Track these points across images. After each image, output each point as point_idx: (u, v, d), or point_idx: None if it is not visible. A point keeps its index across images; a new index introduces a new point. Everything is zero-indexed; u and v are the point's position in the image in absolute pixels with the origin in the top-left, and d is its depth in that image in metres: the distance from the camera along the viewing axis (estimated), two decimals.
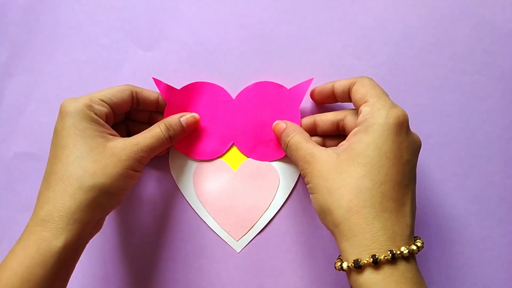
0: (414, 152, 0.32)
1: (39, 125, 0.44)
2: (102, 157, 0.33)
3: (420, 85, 0.42)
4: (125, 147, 0.34)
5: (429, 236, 0.41)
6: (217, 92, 0.41)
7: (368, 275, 0.28)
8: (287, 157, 0.39)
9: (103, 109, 0.35)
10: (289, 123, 0.38)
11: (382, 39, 0.42)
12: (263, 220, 0.41)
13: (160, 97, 0.40)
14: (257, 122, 0.41)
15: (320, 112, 0.40)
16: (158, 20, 0.43)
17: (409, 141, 0.31)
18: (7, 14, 0.44)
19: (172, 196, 0.42)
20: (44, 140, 0.43)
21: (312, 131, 0.40)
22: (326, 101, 0.41)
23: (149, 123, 0.41)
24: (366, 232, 0.29)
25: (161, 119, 0.40)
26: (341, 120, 0.38)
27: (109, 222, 0.42)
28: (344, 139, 0.34)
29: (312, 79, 0.40)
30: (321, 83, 0.39)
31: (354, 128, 0.33)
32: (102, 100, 0.35)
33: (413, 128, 0.33)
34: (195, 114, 0.40)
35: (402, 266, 0.28)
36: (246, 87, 0.41)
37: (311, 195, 0.33)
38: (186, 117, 0.39)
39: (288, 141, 0.36)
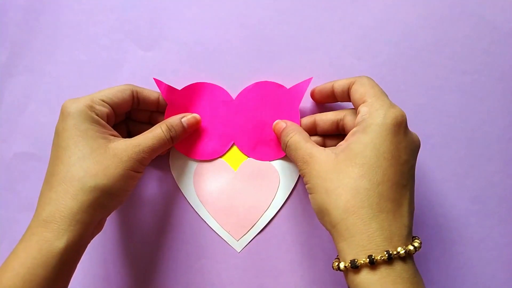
0: (412, 152, 0.32)
1: (39, 125, 0.44)
2: (103, 158, 0.33)
3: (420, 85, 0.42)
4: (126, 148, 0.34)
5: (429, 236, 0.41)
6: (217, 92, 0.41)
7: (365, 275, 0.28)
8: (288, 157, 0.39)
9: (104, 109, 0.35)
10: (289, 122, 0.38)
11: (382, 39, 0.42)
12: (263, 220, 0.41)
13: (160, 97, 0.40)
14: (258, 122, 0.41)
15: (320, 112, 0.40)
16: (158, 20, 0.43)
17: (407, 141, 0.31)
18: (7, 14, 0.44)
19: (172, 196, 0.42)
20: (44, 140, 0.43)
21: (312, 130, 0.40)
22: (326, 100, 0.41)
23: (150, 123, 0.41)
24: (363, 233, 0.29)
25: (161, 119, 0.40)
26: (341, 119, 0.38)
27: (110, 222, 0.42)
28: (344, 139, 0.34)
29: (311, 78, 0.40)
30: (321, 83, 0.39)
31: (353, 128, 0.33)
32: (103, 101, 0.35)
33: (413, 128, 0.33)
34: (196, 115, 0.40)
35: (399, 266, 0.28)
36: (246, 87, 0.41)
37: (309, 195, 0.33)
38: (187, 117, 0.39)
39: (287, 141, 0.36)
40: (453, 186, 0.41)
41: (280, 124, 0.39)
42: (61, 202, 0.31)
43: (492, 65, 0.42)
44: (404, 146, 0.31)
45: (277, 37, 0.42)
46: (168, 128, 0.37)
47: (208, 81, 0.42)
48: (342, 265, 0.30)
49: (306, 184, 0.33)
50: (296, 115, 0.40)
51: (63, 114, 0.33)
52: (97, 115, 0.34)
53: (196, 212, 0.42)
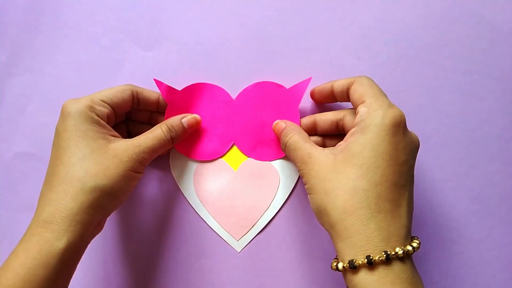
0: (411, 153, 0.32)
1: (39, 125, 0.44)
2: (104, 159, 0.33)
3: (420, 85, 0.42)
4: (126, 149, 0.34)
5: (429, 236, 0.41)
6: (217, 93, 0.42)
7: (363, 276, 0.29)
8: (288, 157, 0.39)
9: (104, 110, 0.35)
10: (289, 122, 0.38)
11: (382, 39, 0.42)
12: (263, 220, 0.42)
13: (160, 97, 0.40)
14: (257, 122, 0.41)
15: (320, 112, 0.40)
16: (158, 20, 0.43)
17: (406, 141, 0.31)
18: (8, 14, 0.44)
19: (172, 196, 0.42)
20: (45, 140, 0.43)
21: (312, 130, 0.40)
22: (326, 100, 0.41)
23: (150, 123, 0.41)
24: (361, 233, 0.29)
25: (161, 119, 0.40)
26: (340, 119, 0.38)
27: (110, 222, 0.42)
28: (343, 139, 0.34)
29: (311, 78, 0.40)
30: (321, 83, 0.39)
31: (352, 128, 0.33)
32: (103, 101, 0.35)
33: (412, 128, 0.33)
34: (196, 115, 0.40)
35: (397, 266, 0.28)
36: (246, 87, 0.41)
37: (308, 195, 0.33)
38: (187, 118, 0.39)
39: (287, 141, 0.36)
40: (453, 186, 0.41)
41: (280, 124, 0.39)
42: (61, 202, 0.31)
43: (492, 65, 0.42)
44: (403, 146, 0.31)
45: (277, 37, 0.43)
46: (169, 128, 0.37)
47: (208, 81, 0.42)
48: (340, 265, 0.30)
49: (305, 184, 0.33)
50: (296, 115, 0.40)
51: (64, 115, 0.34)
52: (97, 115, 0.34)
53: (196, 212, 0.42)
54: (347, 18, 0.42)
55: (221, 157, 0.42)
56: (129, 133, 0.41)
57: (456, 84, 0.42)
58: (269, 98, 0.41)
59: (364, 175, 0.30)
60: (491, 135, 0.41)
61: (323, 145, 0.40)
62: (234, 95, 0.42)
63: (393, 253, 0.28)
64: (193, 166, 0.42)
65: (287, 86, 0.41)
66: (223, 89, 0.42)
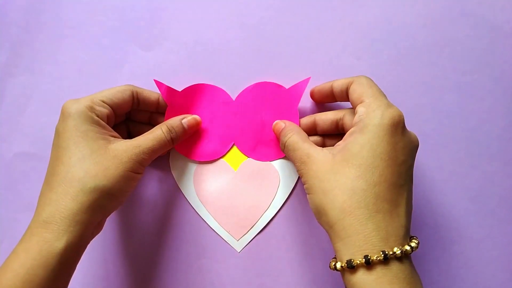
0: (410, 152, 0.32)
1: (39, 125, 0.44)
2: (103, 159, 0.33)
3: (420, 85, 0.42)
4: (126, 149, 0.34)
5: (429, 236, 0.41)
6: (217, 93, 0.42)
7: (361, 276, 0.29)
8: (287, 157, 0.39)
9: (104, 110, 0.35)
10: (288, 122, 0.38)
11: (382, 39, 0.42)
12: (263, 220, 0.42)
13: (160, 97, 0.40)
14: (257, 122, 0.41)
15: (320, 112, 0.40)
16: (158, 20, 0.43)
17: (405, 141, 0.31)
18: (8, 14, 0.44)
19: (172, 195, 0.42)
20: (45, 140, 0.43)
21: (312, 130, 0.40)
22: (325, 100, 0.41)
23: (150, 123, 0.41)
24: (359, 233, 0.29)
25: (161, 120, 0.40)
26: (340, 119, 0.38)
27: (110, 222, 0.42)
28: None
29: (309, 78, 0.40)
30: (321, 83, 0.39)
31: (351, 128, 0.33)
32: (103, 101, 0.35)
33: (412, 128, 0.33)
34: (197, 116, 0.40)
35: (395, 266, 0.28)
36: (246, 88, 0.41)
37: (307, 195, 0.33)
38: (187, 119, 0.39)
39: (286, 141, 0.36)
40: (453, 186, 0.41)
41: (280, 124, 0.39)
42: (61, 203, 0.31)
43: (492, 65, 0.42)
44: (402, 146, 0.31)
45: (277, 37, 0.43)
46: (169, 129, 0.37)
47: (207, 81, 0.42)
48: (338, 265, 0.30)
49: (304, 184, 0.33)
50: (295, 115, 0.40)
51: (64, 115, 0.34)
52: (97, 116, 0.34)
53: (196, 212, 0.42)
54: (347, 18, 0.42)
55: (221, 157, 0.42)
56: (129, 134, 0.41)
57: (456, 84, 0.42)
58: (268, 98, 0.41)
59: (362, 175, 0.30)
60: (491, 135, 0.41)
61: (323, 145, 0.40)
62: (234, 96, 0.42)
63: (391, 253, 0.28)
64: (193, 166, 0.42)
65: (288, 86, 0.41)
66: (223, 90, 0.42)
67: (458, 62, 0.42)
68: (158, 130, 0.36)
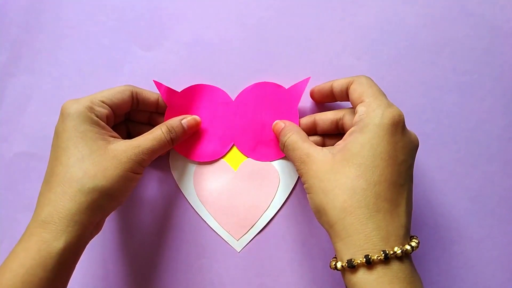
0: (410, 152, 0.32)
1: (39, 125, 0.44)
2: (103, 160, 0.33)
3: (420, 85, 0.42)
4: (126, 149, 0.34)
5: (429, 236, 0.41)
6: (217, 94, 0.42)
7: (362, 275, 0.29)
8: (287, 157, 0.39)
9: (104, 110, 0.35)
10: (288, 122, 0.38)
11: (382, 39, 0.42)
12: (263, 220, 0.42)
13: (160, 98, 0.40)
14: (257, 123, 0.41)
15: (320, 111, 0.40)
16: (158, 20, 0.43)
17: (405, 141, 0.31)
18: (8, 14, 0.44)
19: (172, 195, 0.42)
20: (45, 140, 0.43)
21: (312, 130, 0.40)
22: (325, 100, 0.41)
23: (149, 123, 0.41)
24: (360, 233, 0.29)
25: (161, 120, 0.40)
26: (340, 119, 0.38)
27: (110, 222, 0.42)
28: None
29: (309, 78, 0.40)
30: (321, 83, 0.39)
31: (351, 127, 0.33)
32: (103, 102, 0.35)
33: (412, 128, 0.33)
34: (196, 117, 0.40)
35: (395, 266, 0.28)
36: (246, 88, 0.41)
37: (307, 195, 0.33)
38: (187, 119, 0.39)
39: (285, 141, 0.36)
40: (453, 186, 0.41)
41: (279, 124, 0.39)
42: (59, 203, 0.31)
43: (492, 65, 0.42)
44: (402, 146, 0.31)
45: (277, 37, 0.43)
46: (169, 129, 0.37)
47: (207, 81, 0.42)
48: (339, 265, 0.30)
49: (304, 184, 0.33)
50: (295, 115, 0.40)
51: (63, 115, 0.34)
52: (97, 116, 0.34)
53: (196, 212, 0.42)
54: (347, 18, 0.42)
55: (221, 157, 0.42)
56: (128, 134, 0.41)
57: (456, 84, 0.42)
58: (268, 98, 0.41)
59: (362, 175, 0.30)
60: (491, 135, 0.41)
61: (323, 145, 0.40)
62: (233, 96, 0.42)
63: (391, 252, 0.28)
64: (193, 166, 0.42)
65: (288, 86, 0.41)
66: (223, 90, 0.42)
67: (458, 62, 0.42)
68: (158, 131, 0.36)
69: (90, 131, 0.33)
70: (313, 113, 0.41)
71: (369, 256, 0.28)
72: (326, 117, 0.39)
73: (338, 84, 0.37)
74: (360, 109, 0.33)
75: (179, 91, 0.40)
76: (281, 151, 0.38)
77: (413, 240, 0.30)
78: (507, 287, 0.41)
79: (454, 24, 0.42)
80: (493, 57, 0.42)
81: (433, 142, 0.42)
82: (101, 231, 0.36)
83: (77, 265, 0.33)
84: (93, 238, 0.35)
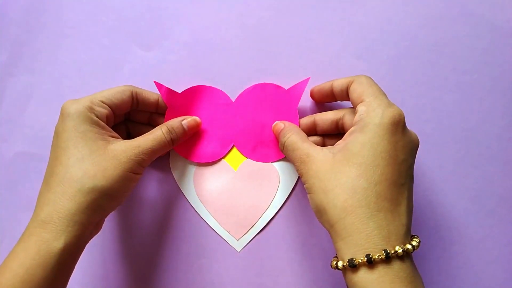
0: (410, 151, 0.32)
1: (39, 125, 0.44)
2: (102, 160, 0.33)
3: (420, 85, 0.42)
4: (126, 150, 0.34)
5: (429, 236, 0.41)
6: (217, 95, 0.42)
7: (363, 274, 0.29)
8: (286, 157, 0.39)
9: (104, 110, 0.35)
10: (287, 123, 0.38)
11: (382, 39, 0.42)
12: (263, 220, 0.42)
13: (160, 98, 0.40)
14: (257, 124, 0.41)
15: (320, 111, 0.40)
16: (158, 20, 0.43)
17: (405, 140, 0.31)
18: (8, 14, 0.44)
19: (172, 195, 0.42)
20: (45, 140, 0.43)
21: (312, 130, 0.40)
22: (325, 100, 0.41)
23: (149, 124, 0.41)
24: (361, 232, 0.29)
25: (161, 120, 0.40)
26: (340, 119, 0.38)
27: (110, 222, 0.42)
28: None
29: (309, 78, 0.40)
30: (321, 83, 0.39)
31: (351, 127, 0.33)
32: (103, 102, 0.35)
33: (412, 127, 0.33)
34: (196, 118, 0.40)
35: (396, 265, 0.28)
36: (246, 89, 0.41)
37: (308, 195, 0.33)
38: (187, 120, 0.39)
39: (285, 141, 0.36)
40: (453, 186, 0.41)
41: (279, 125, 0.39)
42: (59, 203, 0.31)
43: (492, 65, 0.42)
44: (402, 145, 0.31)
45: (277, 37, 0.43)
46: (169, 130, 0.37)
47: (207, 81, 0.42)
48: (340, 264, 0.30)
49: (304, 184, 0.33)
50: (295, 116, 0.40)
51: (63, 115, 0.34)
52: (97, 116, 0.34)
53: (196, 211, 0.42)
54: (347, 18, 0.42)
55: (221, 158, 0.42)
56: (128, 134, 0.41)
57: (456, 84, 0.42)
58: (268, 99, 0.41)
59: (363, 174, 0.30)
60: (491, 135, 0.41)
61: (323, 145, 0.40)
62: (233, 97, 0.42)
63: (392, 252, 0.28)
64: (194, 166, 0.42)
65: (288, 86, 0.41)
66: (223, 91, 0.42)
67: (458, 62, 0.42)
68: (158, 131, 0.36)
69: (90, 131, 0.33)
70: (313, 113, 0.41)
71: (370, 256, 0.28)
72: (326, 117, 0.39)
73: (338, 83, 0.37)
74: (360, 108, 0.33)
75: (179, 91, 0.40)
76: (281, 151, 0.38)
77: (414, 239, 0.30)
78: (507, 287, 0.41)
79: (454, 24, 0.42)
80: (493, 57, 0.42)
81: (433, 142, 0.42)
82: (101, 231, 0.36)
83: (77, 265, 0.33)
84: (93, 238, 0.35)
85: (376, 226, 0.29)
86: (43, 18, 0.44)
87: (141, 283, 0.42)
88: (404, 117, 0.31)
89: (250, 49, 0.43)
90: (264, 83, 0.41)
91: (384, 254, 0.28)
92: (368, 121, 0.31)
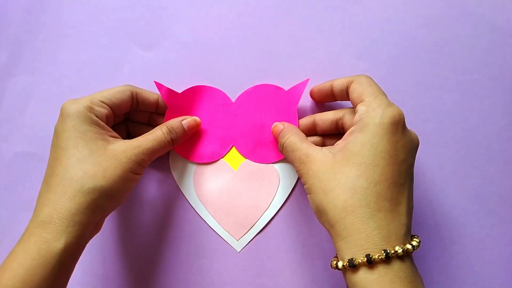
0: (410, 151, 0.32)
1: (39, 125, 0.44)
2: (102, 160, 0.33)
3: (420, 85, 0.42)
4: (126, 150, 0.34)
5: (429, 236, 0.41)
6: (217, 95, 0.42)
7: (363, 275, 0.29)
8: (286, 158, 0.39)
9: (104, 110, 0.35)
10: (286, 124, 0.38)
11: (382, 39, 0.42)
12: (263, 220, 0.42)
13: (160, 98, 0.40)
14: (257, 125, 0.41)
15: (320, 111, 0.40)
16: (158, 20, 0.43)
17: (405, 140, 0.31)
18: (8, 14, 0.44)
19: (172, 195, 0.42)
20: (45, 140, 0.43)
21: (312, 130, 0.40)
22: (325, 100, 0.41)
23: (149, 124, 0.41)
24: (361, 232, 0.29)
25: (161, 120, 0.40)
26: (340, 119, 0.38)
27: (110, 222, 0.42)
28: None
29: (308, 79, 0.40)
30: (321, 83, 0.39)
31: (351, 127, 0.33)
32: (102, 102, 0.35)
33: (412, 127, 0.33)
34: (197, 118, 0.40)
35: (396, 265, 0.28)
36: (246, 90, 0.41)
37: (308, 195, 0.33)
38: (187, 120, 0.39)
39: (284, 142, 0.36)
40: (453, 186, 0.41)
41: (278, 126, 0.39)
42: (59, 203, 0.31)
43: (492, 65, 0.42)
44: (402, 145, 0.31)
45: (277, 37, 0.43)
46: (169, 130, 0.37)
47: (207, 81, 0.42)
48: (340, 264, 0.30)
49: (304, 184, 0.33)
50: (294, 117, 0.40)
51: (63, 115, 0.34)
52: (97, 116, 0.34)
53: (196, 211, 0.42)
54: (347, 18, 0.42)
55: (221, 158, 0.42)
56: (128, 134, 0.41)
57: (456, 84, 0.42)
58: (268, 100, 0.41)
59: (363, 174, 0.30)
60: (491, 135, 0.41)
61: (323, 145, 0.40)
62: (233, 97, 0.42)
63: (392, 252, 0.28)
64: (193, 166, 0.42)
65: (288, 87, 0.41)
66: (223, 92, 0.42)
67: (458, 62, 0.42)
68: (158, 131, 0.36)
69: (90, 131, 0.33)
70: (313, 113, 0.41)
71: (370, 256, 0.28)
72: (326, 117, 0.39)
73: (338, 83, 0.37)
74: (360, 108, 0.33)
75: (179, 91, 0.40)
76: (280, 152, 0.38)
77: (414, 239, 0.30)
78: (507, 287, 0.41)
79: (454, 24, 0.42)
80: (493, 57, 0.42)
81: (433, 142, 0.42)
82: (101, 231, 0.36)
83: (77, 265, 0.33)
84: (93, 238, 0.35)
85: (376, 226, 0.29)
86: (43, 18, 0.44)
87: (141, 283, 0.42)
88: (404, 117, 0.31)
89: (250, 49, 0.43)
90: (264, 84, 0.41)
91: (384, 254, 0.28)
92: (368, 121, 0.31)
